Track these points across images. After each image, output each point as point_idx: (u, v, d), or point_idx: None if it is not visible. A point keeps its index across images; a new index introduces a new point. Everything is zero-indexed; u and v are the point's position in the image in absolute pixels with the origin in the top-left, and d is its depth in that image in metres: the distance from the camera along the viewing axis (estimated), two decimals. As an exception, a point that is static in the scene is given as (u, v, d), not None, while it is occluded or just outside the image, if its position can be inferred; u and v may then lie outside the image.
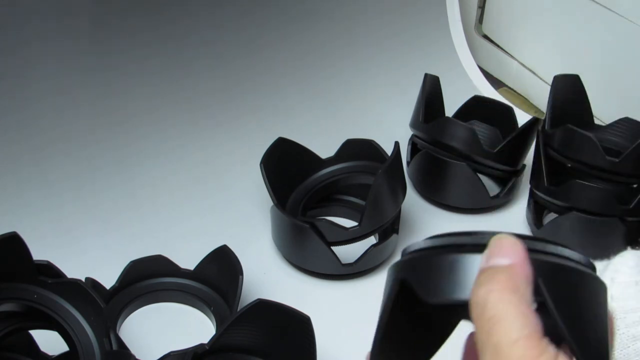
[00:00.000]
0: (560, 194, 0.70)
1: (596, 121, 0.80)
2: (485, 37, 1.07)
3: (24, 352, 0.56)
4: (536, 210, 0.75)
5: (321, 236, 0.68)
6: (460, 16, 1.02)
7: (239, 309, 0.58)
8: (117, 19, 0.81)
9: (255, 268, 0.72)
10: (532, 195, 0.76)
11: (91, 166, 0.80)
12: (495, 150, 0.76)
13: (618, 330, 0.46)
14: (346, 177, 0.78)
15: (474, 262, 0.28)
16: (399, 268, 0.31)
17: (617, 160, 0.67)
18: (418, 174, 0.81)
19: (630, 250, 0.50)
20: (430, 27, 1.00)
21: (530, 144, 0.79)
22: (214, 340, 0.56)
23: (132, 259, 0.67)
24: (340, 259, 0.69)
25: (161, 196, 0.80)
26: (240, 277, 0.63)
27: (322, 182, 0.77)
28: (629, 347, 0.45)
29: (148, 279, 0.68)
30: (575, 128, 0.69)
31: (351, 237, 0.68)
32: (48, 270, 0.54)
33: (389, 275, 0.32)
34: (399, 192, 0.70)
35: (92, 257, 0.72)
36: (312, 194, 0.77)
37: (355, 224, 0.69)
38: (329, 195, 0.79)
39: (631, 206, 0.67)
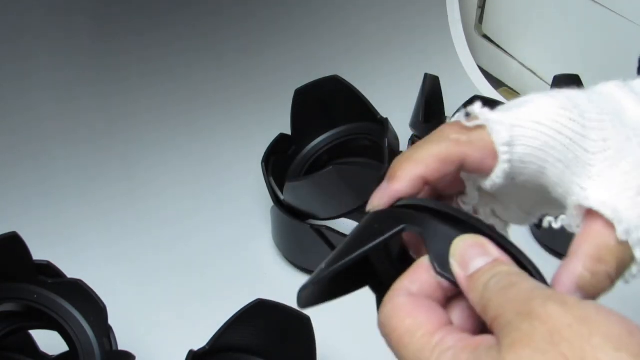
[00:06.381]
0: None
1: (596, 121, 0.80)
2: (485, 37, 1.07)
3: (24, 352, 0.56)
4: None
5: (321, 236, 0.68)
6: (460, 16, 1.02)
7: (239, 309, 0.58)
8: (118, 20, 0.81)
9: (255, 268, 0.72)
10: (532, 195, 0.76)
11: (91, 166, 0.80)
12: (495, 150, 0.75)
13: None
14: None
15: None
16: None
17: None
18: (418, 174, 0.81)
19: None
20: (430, 27, 1.00)
21: (530, 144, 0.78)
22: (214, 340, 0.56)
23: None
24: (341, 258, 0.69)
25: (162, 196, 0.80)
26: None
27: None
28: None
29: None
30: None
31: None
32: (48, 270, 0.54)
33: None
34: None
35: (92, 257, 0.72)
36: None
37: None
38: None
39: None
